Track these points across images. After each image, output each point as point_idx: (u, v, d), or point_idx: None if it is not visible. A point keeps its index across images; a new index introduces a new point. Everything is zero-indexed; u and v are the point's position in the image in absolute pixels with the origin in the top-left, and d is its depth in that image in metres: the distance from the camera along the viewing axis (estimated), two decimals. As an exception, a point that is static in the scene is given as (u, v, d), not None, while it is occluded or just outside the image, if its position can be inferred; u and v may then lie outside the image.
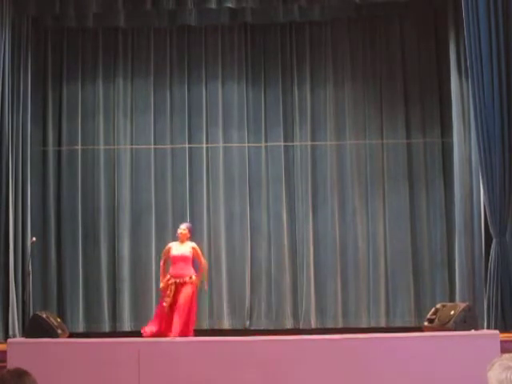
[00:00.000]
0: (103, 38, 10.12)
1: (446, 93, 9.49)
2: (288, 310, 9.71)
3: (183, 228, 8.43)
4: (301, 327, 9.56)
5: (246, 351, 6.61)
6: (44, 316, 7.40)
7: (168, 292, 8.14)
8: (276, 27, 10.10)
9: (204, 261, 8.49)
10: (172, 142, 10.05)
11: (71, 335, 8.12)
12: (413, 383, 6.41)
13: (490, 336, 6.83)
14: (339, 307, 9.66)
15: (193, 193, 9.98)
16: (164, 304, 8.12)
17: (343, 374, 6.44)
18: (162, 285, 8.26)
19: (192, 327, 8.25)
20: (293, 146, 10.01)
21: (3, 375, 2.49)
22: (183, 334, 7.97)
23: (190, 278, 8.20)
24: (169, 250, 8.38)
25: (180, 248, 8.34)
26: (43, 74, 9.98)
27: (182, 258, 8.27)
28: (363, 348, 6.65)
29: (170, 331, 7.97)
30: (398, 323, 9.47)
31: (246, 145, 10.02)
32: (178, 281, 8.18)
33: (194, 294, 8.26)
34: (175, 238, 8.57)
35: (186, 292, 8.14)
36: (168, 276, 8.23)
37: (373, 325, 9.53)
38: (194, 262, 8.39)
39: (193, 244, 8.41)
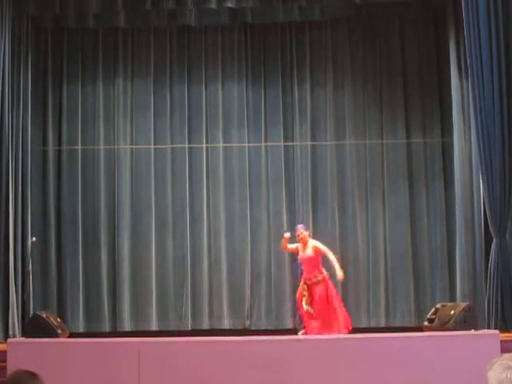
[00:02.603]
0: (103, 38, 10.12)
1: (446, 93, 9.49)
2: (288, 310, 9.71)
3: (301, 232, 8.50)
4: (301, 327, 9.56)
5: (246, 351, 6.61)
6: (44, 316, 7.39)
7: (304, 298, 8.33)
8: (276, 27, 10.10)
9: (329, 253, 8.44)
10: (172, 142, 10.05)
11: (71, 335, 8.12)
12: (413, 383, 6.41)
13: (490, 336, 6.82)
14: (339, 307, 9.66)
15: (193, 193, 9.98)
16: (306, 308, 8.29)
17: (343, 374, 6.43)
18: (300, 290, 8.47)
19: (345, 322, 8.30)
20: (293, 145, 10.01)
21: (17, 375, 2.51)
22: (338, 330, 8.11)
23: (317, 276, 8.34)
24: (297, 251, 8.57)
25: (304, 250, 8.47)
26: (43, 74, 9.98)
27: (308, 260, 8.43)
28: (363, 348, 6.65)
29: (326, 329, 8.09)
30: (398, 323, 9.47)
31: (246, 145, 10.02)
32: (308, 283, 8.37)
33: (328, 290, 8.36)
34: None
35: (318, 292, 8.31)
36: (301, 283, 8.46)
37: (373, 325, 9.53)
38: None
39: (313, 243, 8.47)
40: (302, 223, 8.95)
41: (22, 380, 2.48)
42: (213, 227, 9.90)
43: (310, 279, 8.37)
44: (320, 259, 8.47)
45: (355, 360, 6.49)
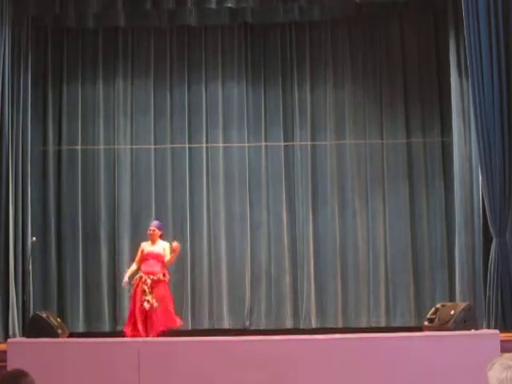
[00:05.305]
0: (103, 38, 10.11)
1: (446, 92, 9.48)
2: (288, 309, 9.71)
3: (154, 229, 8.61)
4: (301, 327, 9.56)
5: (246, 351, 6.61)
6: (44, 316, 7.40)
7: (147, 292, 8.28)
8: (276, 27, 10.10)
9: (168, 257, 8.49)
10: (172, 142, 10.05)
11: (71, 335, 8.13)
12: (413, 383, 6.41)
13: (490, 336, 6.83)
14: (339, 307, 9.66)
15: (193, 193, 9.98)
16: (146, 305, 8.25)
17: (343, 374, 6.44)
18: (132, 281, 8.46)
19: (175, 318, 8.42)
20: (293, 145, 10.01)
21: (5, 374, 2.50)
22: (169, 325, 8.28)
23: (164, 275, 8.44)
24: (142, 250, 8.61)
25: (152, 246, 8.55)
26: (43, 74, 9.98)
27: (156, 256, 8.48)
28: (363, 348, 6.65)
29: (151, 331, 8.18)
30: (398, 323, 9.47)
31: (246, 145, 10.03)
32: (152, 277, 8.36)
33: (168, 291, 8.49)
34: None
35: (161, 292, 8.35)
36: (139, 274, 8.46)
37: (373, 325, 9.54)
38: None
39: (165, 244, 8.55)
40: (158, 220, 8.95)
41: (8, 378, 2.48)
42: (213, 227, 9.90)
43: (153, 274, 8.34)
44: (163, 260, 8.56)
45: (355, 360, 6.49)
